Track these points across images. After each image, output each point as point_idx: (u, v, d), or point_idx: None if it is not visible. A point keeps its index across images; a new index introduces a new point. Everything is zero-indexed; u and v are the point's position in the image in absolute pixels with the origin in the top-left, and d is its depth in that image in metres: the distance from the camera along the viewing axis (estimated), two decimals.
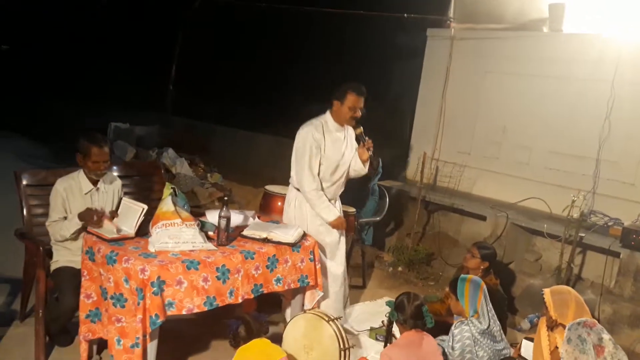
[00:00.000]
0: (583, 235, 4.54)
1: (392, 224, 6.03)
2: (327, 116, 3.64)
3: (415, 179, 5.92)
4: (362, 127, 3.63)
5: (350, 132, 3.72)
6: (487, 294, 3.26)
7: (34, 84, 13.52)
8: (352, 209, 4.41)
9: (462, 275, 3.38)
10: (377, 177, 5.32)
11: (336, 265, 3.76)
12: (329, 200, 3.65)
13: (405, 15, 6.40)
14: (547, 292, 3.04)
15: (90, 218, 3.08)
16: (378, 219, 5.23)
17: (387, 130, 7.11)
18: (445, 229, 5.78)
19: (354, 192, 4.13)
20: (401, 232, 5.96)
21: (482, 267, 3.96)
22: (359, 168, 3.72)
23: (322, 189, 3.63)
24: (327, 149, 3.60)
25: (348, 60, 8.40)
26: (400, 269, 5.36)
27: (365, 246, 5.22)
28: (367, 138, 3.62)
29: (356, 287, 4.81)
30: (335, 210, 3.66)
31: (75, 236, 3.19)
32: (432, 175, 6.06)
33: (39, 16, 14.26)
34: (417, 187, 5.60)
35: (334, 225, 3.65)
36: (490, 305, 3.26)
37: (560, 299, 2.98)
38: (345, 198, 3.97)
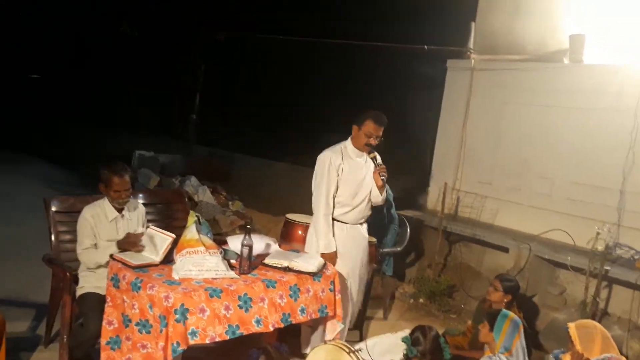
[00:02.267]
0: (608, 268, 4.45)
1: (412, 255, 5.99)
2: (348, 142, 3.73)
3: (436, 209, 5.90)
4: (376, 153, 3.67)
5: (368, 159, 3.75)
6: (524, 337, 3.22)
7: (62, 111, 13.92)
8: (373, 239, 4.41)
9: (505, 311, 3.35)
10: (393, 206, 5.31)
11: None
12: (349, 224, 3.70)
13: (426, 47, 6.48)
14: (572, 326, 2.99)
15: (131, 244, 3.15)
16: (399, 249, 5.20)
17: (407, 160, 7.13)
18: (467, 260, 5.72)
19: (374, 221, 4.13)
20: (422, 263, 5.91)
21: (505, 300, 3.90)
22: (375, 195, 3.74)
23: (343, 213, 3.69)
24: (346, 173, 3.65)
25: (369, 90, 8.50)
26: (421, 300, 5.30)
27: (386, 277, 5.19)
28: (380, 163, 3.66)
29: (377, 319, 4.77)
30: (332, 245, 3.61)
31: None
32: (453, 205, 6.03)
33: (69, 45, 14.76)
34: (438, 218, 5.57)
35: (324, 257, 3.55)
36: (526, 349, 3.21)
37: (586, 333, 2.93)
38: None
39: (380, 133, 3.60)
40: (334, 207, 3.67)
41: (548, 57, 5.62)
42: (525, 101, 5.70)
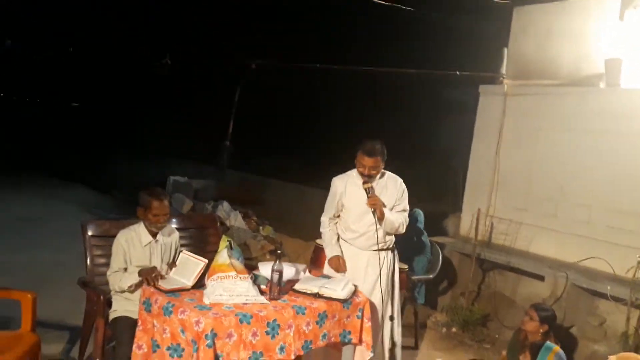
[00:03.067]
0: None
1: (445, 283, 5.89)
2: (354, 169, 3.76)
3: (470, 235, 5.81)
4: (371, 184, 3.60)
5: (388, 187, 3.73)
6: None
7: (99, 138, 14.39)
8: (404, 266, 4.36)
9: (549, 344, 3.30)
10: (423, 232, 5.24)
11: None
12: (363, 250, 3.71)
13: (458, 72, 6.47)
14: (613, 358, 2.87)
15: (149, 277, 3.15)
16: (431, 276, 5.12)
17: (440, 186, 7.07)
18: (501, 288, 5.58)
19: (404, 248, 4.09)
20: (455, 291, 5.80)
21: (541, 331, 3.78)
22: (380, 224, 3.66)
23: (353, 238, 3.74)
24: (348, 199, 3.71)
25: (401, 116, 8.51)
26: (454, 329, 5.19)
27: (417, 305, 5.11)
28: (372, 195, 3.56)
29: (408, 347, 4.68)
30: (335, 251, 3.75)
31: (132, 290, 3.29)
32: (487, 232, 5.92)
33: (106, 75, 15.32)
34: (471, 244, 5.48)
35: (331, 264, 3.71)
36: None
37: None
38: None
39: (372, 164, 3.55)
40: (345, 230, 3.79)
41: (583, 81, 5.53)
42: (561, 127, 5.61)
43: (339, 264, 3.72)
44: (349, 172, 3.78)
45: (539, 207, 5.70)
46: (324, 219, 3.86)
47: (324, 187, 3.96)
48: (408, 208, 3.85)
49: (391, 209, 3.72)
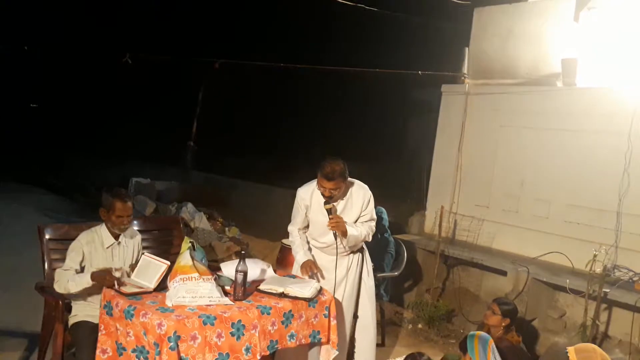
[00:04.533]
0: (607, 290, 4.42)
1: (410, 280, 5.95)
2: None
3: (434, 232, 5.88)
4: (332, 204, 3.55)
5: (353, 199, 3.68)
6: (496, 351, 3.20)
7: (57, 139, 13.98)
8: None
9: (471, 333, 3.33)
10: (388, 231, 5.27)
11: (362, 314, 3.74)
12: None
13: (420, 72, 6.56)
14: (571, 350, 2.94)
15: (104, 282, 3.04)
16: (396, 273, 5.16)
17: (403, 184, 7.14)
18: (466, 284, 5.68)
19: (369, 246, 4.11)
20: (420, 288, 5.86)
21: (503, 324, 3.86)
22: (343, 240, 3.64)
23: (321, 248, 3.73)
24: (312, 212, 3.67)
25: (369, 116, 8.56)
26: (420, 326, 5.24)
27: (383, 302, 5.14)
28: (331, 217, 3.52)
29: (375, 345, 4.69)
30: (301, 255, 3.70)
31: (78, 293, 3.18)
32: (451, 229, 6.02)
33: (67, 75, 14.91)
34: (435, 241, 5.56)
35: (303, 267, 3.65)
36: None
37: (585, 357, 2.88)
38: None
39: (332, 186, 3.49)
40: (312, 240, 3.77)
41: (541, 80, 5.68)
42: (520, 124, 5.75)
43: (311, 267, 3.66)
44: (313, 183, 3.66)
45: (501, 203, 5.83)
46: (292, 229, 3.79)
47: (291, 187, 3.92)
48: (375, 216, 3.82)
49: (356, 220, 3.70)
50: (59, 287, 3.18)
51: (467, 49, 6.30)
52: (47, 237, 3.54)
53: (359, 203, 3.70)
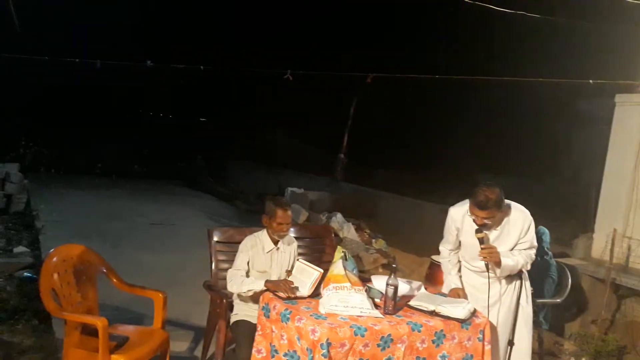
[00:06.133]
0: None
1: (574, 309, 5.42)
2: None
3: (603, 258, 5.31)
4: (485, 233, 3.31)
5: (510, 226, 3.41)
6: None
7: (222, 150, 15.28)
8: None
9: None
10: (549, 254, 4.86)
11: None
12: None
13: (591, 81, 5.99)
14: None
15: (282, 289, 3.17)
16: (558, 300, 4.74)
17: (570, 203, 6.55)
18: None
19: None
20: (585, 318, 5.32)
21: None
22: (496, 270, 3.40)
23: (466, 270, 3.56)
24: (464, 235, 3.47)
25: (523, 129, 8.05)
26: None
27: (542, 330, 4.75)
28: (482, 247, 3.28)
29: None
30: (454, 282, 3.57)
31: (248, 296, 3.37)
32: (624, 255, 5.37)
33: (233, 91, 16.27)
34: (605, 268, 5.01)
35: (449, 294, 3.50)
36: None
37: None
38: None
39: (485, 215, 3.24)
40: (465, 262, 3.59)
41: None
42: None
43: (457, 296, 3.51)
44: (466, 204, 3.45)
45: None
46: (443, 249, 3.65)
47: (439, 201, 3.79)
48: (536, 244, 3.51)
49: (512, 248, 3.44)
50: (232, 287, 3.40)
51: None
52: (215, 239, 3.86)
53: (516, 230, 3.41)
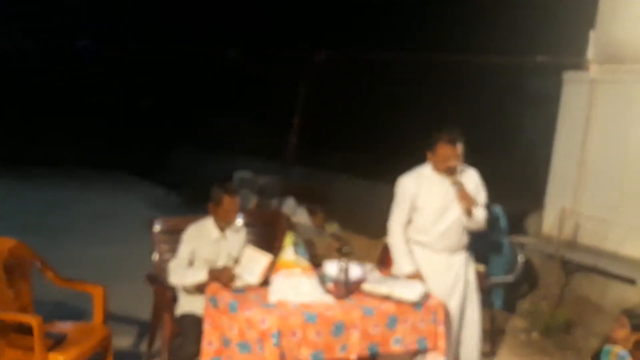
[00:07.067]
0: None
1: (525, 286, 5.51)
2: (426, 165, 3.49)
3: (553, 234, 5.40)
4: (457, 179, 3.33)
5: (465, 180, 3.43)
6: None
7: (163, 134, 14.81)
8: (480, 267, 4.06)
9: (606, 347, 3.00)
10: (502, 231, 4.89)
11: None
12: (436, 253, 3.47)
13: (537, 58, 6.04)
14: None
15: (222, 279, 3.06)
16: (510, 279, 4.79)
17: (518, 181, 6.65)
18: (587, 293, 5.15)
19: (479, 248, 3.82)
20: (536, 295, 5.41)
21: (632, 340, 3.41)
22: (467, 220, 3.42)
23: (423, 242, 3.48)
24: (423, 200, 3.42)
25: (473, 107, 8.10)
26: (534, 336, 4.84)
27: (494, 310, 4.79)
28: (458, 186, 3.31)
29: (484, 354, 4.38)
30: (408, 264, 3.42)
31: (193, 287, 3.21)
32: (572, 231, 5.48)
33: (173, 73, 15.77)
34: (554, 244, 5.09)
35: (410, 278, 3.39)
36: None
37: None
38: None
39: (458, 152, 3.29)
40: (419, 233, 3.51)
41: None
42: None
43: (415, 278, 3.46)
44: (418, 170, 3.50)
45: (633, 204, 5.19)
46: (395, 226, 3.53)
47: (392, 182, 3.70)
48: (484, 201, 3.57)
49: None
50: (174, 279, 3.25)
51: (592, 31, 5.70)
52: (157, 229, 3.66)
53: (472, 184, 3.46)
